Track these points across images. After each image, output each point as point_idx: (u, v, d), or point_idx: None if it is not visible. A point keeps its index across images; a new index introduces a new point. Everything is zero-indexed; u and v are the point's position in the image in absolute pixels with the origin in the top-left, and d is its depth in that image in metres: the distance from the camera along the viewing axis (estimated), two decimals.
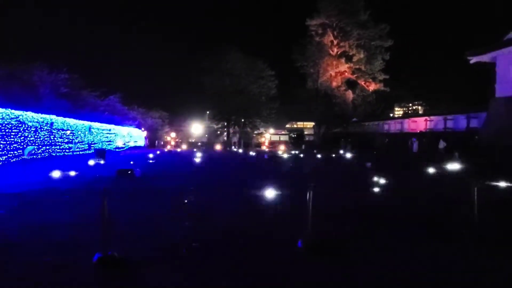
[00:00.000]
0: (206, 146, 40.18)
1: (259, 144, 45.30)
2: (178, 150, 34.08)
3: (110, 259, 3.62)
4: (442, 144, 24.81)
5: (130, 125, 35.05)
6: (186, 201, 7.16)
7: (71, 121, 20.13)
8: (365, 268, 3.66)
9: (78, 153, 20.60)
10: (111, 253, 3.66)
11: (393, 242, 4.57)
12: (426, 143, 27.23)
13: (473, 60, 27.92)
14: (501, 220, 5.77)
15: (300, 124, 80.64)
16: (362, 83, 47.33)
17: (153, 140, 41.60)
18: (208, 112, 52.54)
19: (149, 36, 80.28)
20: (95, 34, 66.85)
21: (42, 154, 16.58)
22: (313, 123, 55.18)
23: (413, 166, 16.32)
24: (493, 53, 26.17)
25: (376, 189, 8.65)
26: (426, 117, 35.41)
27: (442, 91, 44.06)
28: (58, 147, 18.35)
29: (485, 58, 27.24)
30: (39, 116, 16.47)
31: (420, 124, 35.43)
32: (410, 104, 64.15)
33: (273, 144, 46.22)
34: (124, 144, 31.33)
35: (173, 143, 40.16)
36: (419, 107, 60.81)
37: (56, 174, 10.44)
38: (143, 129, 38.83)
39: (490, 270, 3.67)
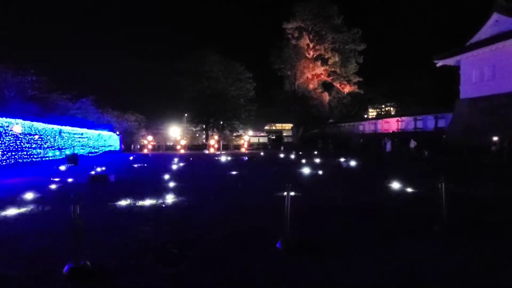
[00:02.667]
0: (184, 148, 39.57)
1: (238, 146, 45.26)
2: (156, 153, 33.34)
3: (82, 269, 3.48)
4: (412, 144, 25.99)
5: (104, 128, 33.85)
6: (163, 205, 7.04)
7: (40, 125, 19.15)
8: (338, 265, 3.79)
9: (47, 158, 19.62)
10: (83, 263, 3.52)
11: (368, 239, 4.74)
12: (398, 143, 28.43)
13: (440, 63, 29.62)
14: (466, 213, 6.16)
15: (279, 126, 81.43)
16: (338, 85, 48.70)
17: (129, 143, 40.37)
18: (186, 114, 51.85)
19: (124, 37, 78.13)
20: (66, 35, 64.07)
21: (8, 161, 15.64)
22: (291, 125, 55.96)
23: (386, 164, 16.96)
24: (457, 57, 27.91)
25: (351, 187, 8.94)
26: (398, 118, 37.01)
27: (412, 92, 46.22)
28: (25, 153, 17.39)
29: (450, 62, 29.00)
30: (3, 120, 15.54)
31: (392, 124, 36.95)
32: (383, 106, 66.76)
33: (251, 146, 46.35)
34: (98, 148, 30.20)
35: (150, 146, 39.18)
36: (391, 108, 63.34)
37: (23, 181, 9.89)
38: (118, 132, 37.60)
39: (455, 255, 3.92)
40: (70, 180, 10.98)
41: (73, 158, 17.48)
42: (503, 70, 23.62)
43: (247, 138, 47.93)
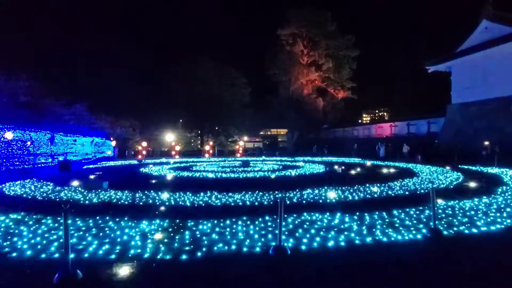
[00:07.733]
0: (178, 154, 39.44)
1: (234, 152, 45.21)
2: (148, 160, 33.17)
3: (74, 279, 3.41)
4: (406, 148, 26.23)
5: (98, 134, 33.63)
6: (156, 212, 7.00)
7: (32, 132, 18.92)
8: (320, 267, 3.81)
9: (39, 165, 19.37)
10: (74, 272, 3.45)
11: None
12: (392, 148, 28.65)
13: (431, 69, 30.12)
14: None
15: (274, 131, 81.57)
16: (332, 91, 49.17)
17: (123, 150, 40.14)
18: (181, 120, 51.75)
19: (118, 42, 77.89)
20: (60, 40, 63.68)
21: None
22: (286, 130, 56.16)
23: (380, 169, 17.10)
24: (448, 63, 28.41)
25: (341, 192, 9.00)
26: (391, 123, 37.34)
27: (405, 97, 46.93)
28: (16, 159, 17.16)
29: (442, 67, 29.51)
30: None
31: (386, 129, 37.27)
32: (377, 111, 67.50)
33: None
34: (92, 155, 29.94)
35: (144, 152, 38.97)
36: (385, 113, 64.08)
37: (13, 188, 9.76)
38: (112, 138, 37.35)
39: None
40: (61, 186, 10.85)
41: (66, 165, 17.33)
42: (493, 76, 24.06)
43: (242, 143, 47.93)
